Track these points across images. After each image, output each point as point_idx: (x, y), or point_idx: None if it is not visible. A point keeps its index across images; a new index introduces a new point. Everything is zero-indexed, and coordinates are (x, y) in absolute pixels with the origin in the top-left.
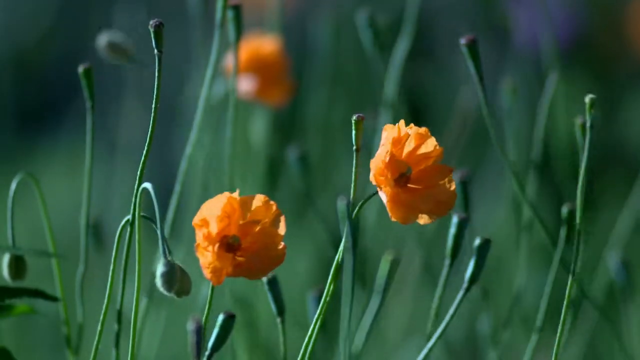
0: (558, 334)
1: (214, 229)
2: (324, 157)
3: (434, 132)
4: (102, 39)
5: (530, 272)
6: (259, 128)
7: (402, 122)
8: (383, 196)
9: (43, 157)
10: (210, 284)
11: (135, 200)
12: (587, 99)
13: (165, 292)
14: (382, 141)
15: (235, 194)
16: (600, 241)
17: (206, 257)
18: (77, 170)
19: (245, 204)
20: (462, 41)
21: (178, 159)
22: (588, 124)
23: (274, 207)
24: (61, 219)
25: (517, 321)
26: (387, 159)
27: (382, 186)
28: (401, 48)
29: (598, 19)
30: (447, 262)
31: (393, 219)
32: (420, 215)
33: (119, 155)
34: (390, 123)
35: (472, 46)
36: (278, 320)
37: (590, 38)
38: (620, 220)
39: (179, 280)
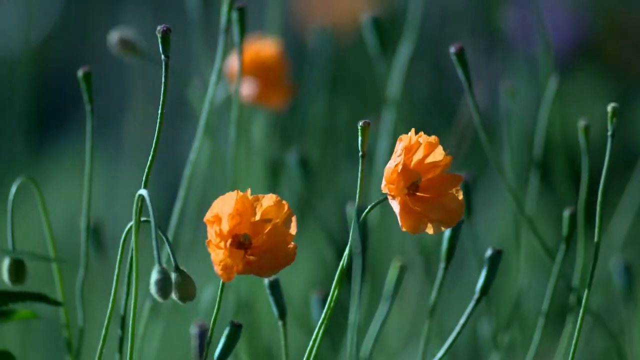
0: (572, 348)
1: (225, 226)
2: (323, 160)
3: (435, 136)
4: (114, 35)
5: (532, 275)
6: (259, 131)
7: (412, 130)
8: (395, 205)
9: (49, 161)
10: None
11: (136, 208)
12: (610, 107)
13: (159, 300)
14: (396, 150)
15: (247, 192)
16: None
17: (217, 253)
18: (82, 173)
19: (256, 203)
20: (452, 49)
21: (181, 160)
22: (610, 132)
23: (286, 207)
24: (67, 222)
25: (517, 325)
26: (400, 168)
27: (394, 195)
28: (404, 52)
29: (605, 23)
30: (442, 265)
31: (403, 229)
32: (429, 224)
33: (123, 158)
34: (393, 127)
35: (461, 55)
36: (280, 323)
37: (597, 42)
38: (615, 223)
39: (178, 286)
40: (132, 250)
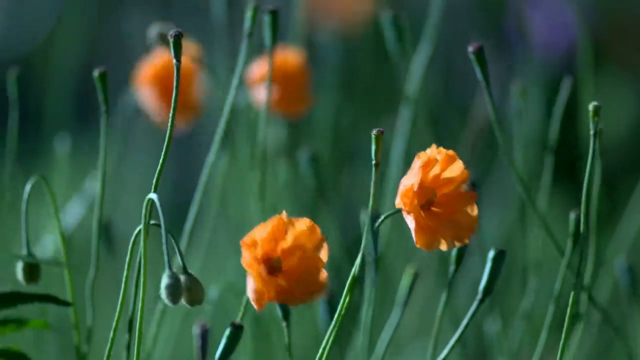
0: (561, 345)
1: (260, 250)
2: (334, 162)
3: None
4: (153, 30)
5: (540, 276)
6: (275, 135)
7: (433, 146)
8: (410, 222)
9: (55, 161)
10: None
11: (145, 211)
12: (591, 106)
13: (170, 305)
14: (413, 167)
15: (283, 216)
16: (609, 245)
17: (252, 279)
18: (92, 173)
19: (289, 226)
20: (470, 49)
21: (199, 164)
22: (592, 132)
23: (318, 233)
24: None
25: (525, 325)
26: (416, 188)
27: (409, 212)
28: (422, 54)
29: (608, 23)
30: (452, 268)
31: (418, 245)
32: (442, 240)
33: (133, 158)
34: (408, 128)
35: (480, 53)
36: (283, 324)
37: (600, 41)
38: (624, 222)
39: (188, 290)
40: (141, 253)
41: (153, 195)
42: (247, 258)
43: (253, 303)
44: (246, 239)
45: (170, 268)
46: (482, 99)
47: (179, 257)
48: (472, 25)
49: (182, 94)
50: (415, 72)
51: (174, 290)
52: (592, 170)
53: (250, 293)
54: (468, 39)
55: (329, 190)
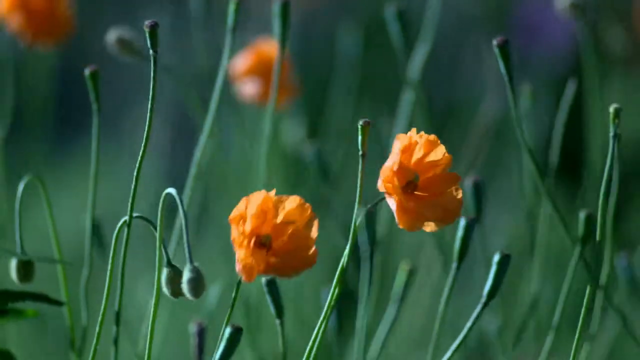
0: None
1: (248, 225)
2: (345, 159)
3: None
4: (112, 35)
5: (545, 277)
6: (291, 133)
7: (413, 130)
8: (391, 204)
9: (70, 160)
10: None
11: (161, 207)
12: (612, 108)
13: (191, 298)
14: (393, 149)
15: (272, 193)
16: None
17: (240, 253)
18: (106, 172)
19: (279, 204)
20: (495, 42)
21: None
22: (611, 134)
23: (309, 210)
24: (82, 223)
25: (529, 326)
26: (396, 167)
27: (390, 194)
28: (420, 52)
29: (607, 22)
30: (454, 265)
31: (400, 226)
32: (426, 222)
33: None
34: (408, 126)
35: (504, 47)
36: (277, 322)
37: (599, 41)
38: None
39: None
40: (127, 246)
41: (171, 190)
42: (235, 234)
43: (242, 276)
44: (233, 215)
45: (192, 262)
46: (489, 97)
47: (167, 252)
48: (476, 23)
49: (50, 16)
50: (415, 67)
51: (197, 284)
52: (610, 172)
53: (238, 267)
54: (473, 37)
55: (337, 188)
